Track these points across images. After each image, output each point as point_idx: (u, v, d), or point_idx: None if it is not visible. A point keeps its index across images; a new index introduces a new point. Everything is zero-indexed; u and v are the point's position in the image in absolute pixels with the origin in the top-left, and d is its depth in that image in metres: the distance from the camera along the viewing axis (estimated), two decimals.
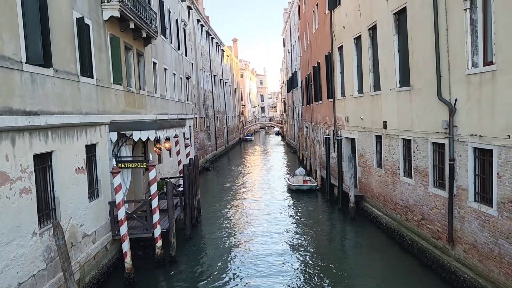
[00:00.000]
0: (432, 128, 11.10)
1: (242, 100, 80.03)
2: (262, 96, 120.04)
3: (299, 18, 37.19)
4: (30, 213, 8.11)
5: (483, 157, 9.20)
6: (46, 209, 8.98)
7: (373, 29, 15.41)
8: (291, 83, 49.28)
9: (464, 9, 9.32)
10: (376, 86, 15.32)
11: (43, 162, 8.89)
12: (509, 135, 8.05)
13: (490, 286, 8.73)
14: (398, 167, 13.58)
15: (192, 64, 32.17)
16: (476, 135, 9.18)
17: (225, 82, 54.36)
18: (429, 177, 11.54)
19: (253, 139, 74.86)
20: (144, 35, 15.69)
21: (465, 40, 9.38)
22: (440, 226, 10.95)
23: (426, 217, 11.73)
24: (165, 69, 21.33)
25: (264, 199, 22.44)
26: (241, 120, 73.76)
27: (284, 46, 58.44)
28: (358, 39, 17.17)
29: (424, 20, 11.21)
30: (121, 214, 11.35)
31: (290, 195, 22.80)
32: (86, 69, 11.07)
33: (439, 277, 10.62)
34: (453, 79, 9.98)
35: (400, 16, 13.04)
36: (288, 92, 55.44)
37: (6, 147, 7.43)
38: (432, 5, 10.55)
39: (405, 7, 12.41)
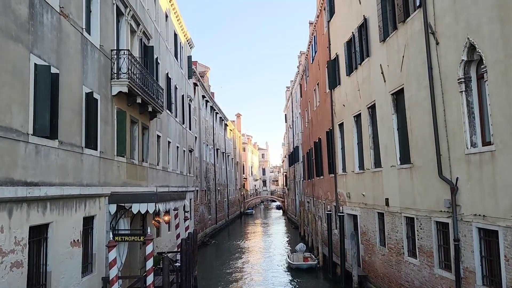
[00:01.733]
0: (435, 207, 10.97)
1: (244, 173, 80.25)
2: (264, 170, 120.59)
3: (301, 96, 38.53)
4: None
5: (489, 238, 8.97)
6: (37, 284, 8.62)
7: (372, 108, 15.86)
8: (292, 158, 49.73)
9: (460, 92, 9.65)
10: (377, 163, 15.42)
11: (38, 234, 8.70)
12: None
13: None
14: (402, 246, 13.21)
15: (196, 137, 32.77)
16: (479, 215, 9.04)
17: (228, 156, 54.93)
18: (434, 258, 11.17)
19: (254, 212, 73.84)
20: (150, 109, 16.17)
21: (462, 121, 9.60)
22: None
23: None
24: (169, 142, 21.68)
25: (263, 278, 21.57)
26: (242, 193, 73.35)
27: (286, 122, 59.89)
28: (358, 117, 17.62)
29: (422, 101, 11.57)
30: None
31: (289, 273, 21.94)
32: (91, 141, 11.25)
33: None
34: (453, 158, 10.06)
35: (398, 96, 13.49)
36: (289, 166, 55.75)
37: (2, 218, 7.32)
38: (429, 87, 10.96)
39: (403, 88, 12.89)
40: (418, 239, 12.10)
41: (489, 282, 9.01)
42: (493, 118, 8.53)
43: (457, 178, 9.89)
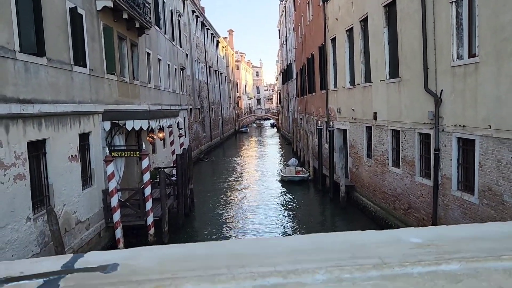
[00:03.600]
0: (419, 119, 11.36)
1: (237, 92, 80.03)
2: (258, 88, 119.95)
3: (294, 10, 37.23)
4: (24, 198, 8.31)
5: (466, 146, 9.48)
6: (40, 195, 9.19)
7: (364, 21, 15.59)
8: (286, 75, 49.40)
9: (450, 2, 9.53)
10: (367, 78, 15.54)
11: (36, 149, 9.07)
12: (490, 125, 8.32)
13: None
14: (387, 157, 13.85)
15: (187, 55, 32.22)
16: (460, 125, 9.44)
17: (221, 74, 54.38)
18: (416, 167, 11.82)
19: (248, 130, 75.03)
20: (137, 25, 15.79)
21: (451, 33, 9.60)
22: (425, 214, 11.26)
23: (413, 205, 12.03)
24: (159, 60, 21.43)
25: (257, 190, 22.71)
26: (236, 111, 73.86)
27: (279, 38, 58.45)
28: (350, 31, 17.35)
29: (413, 13, 11.40)
30: (114, 201, 11.57)
31: (283, 185, 23.07)
32: (79, 59, 11.21)
33: None
34: (439, 70, 10.22)
35: (390, 8, 13.22)
36: (283, 84, 55.57)
37: (0, 134, 7.61)
38: None
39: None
40: (402, 150, 12.68)
41: (463, 187, 9.69)
42: (480, 30, 8.55)
43: (442, 90, 10.14)
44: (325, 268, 0.60)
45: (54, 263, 0.69)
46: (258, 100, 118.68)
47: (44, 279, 0.63)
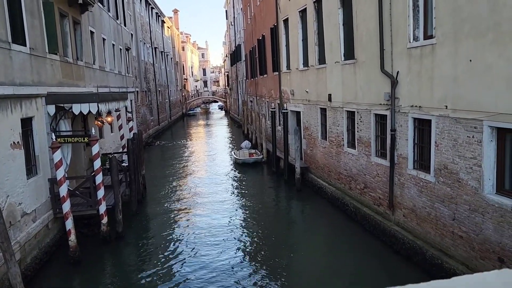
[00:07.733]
0: (375, 100, 11.54)
1: (184, 74, 78.19)
2: (204, 70, 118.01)
3: None
4: None
5: (422, 126, 9.75)
6: None
7: (318, 2, 15.51)
8: (234, 57, 48.81)
9: None
10: (321, 60, 15.57)
11: None
12: (446, 106, 8.57)
13: (427, 247, 9.42)
14: (342, 138, 14.04)
15: (132, 35, 30.77)
16: (416, 106, 9.67)
17: (167, 55, 52.70)
18: (371, 147, 12.06)
19: (196, 113, 73.98)
20: (80, 1, 14.68)
21: (407, 14, 9.73)
22: (381, 193, 11.56)
23: (369, 185, 12.32)
24: (104, 39, 20.22)
25: (210, 173, 22.38)
26: (183, 94, 72.28)
27: (227, 19, 57.47)
28: (303, 12, 17.24)
29: None
30: (63, 191, 10.80)
31: (236, 168, 22.91)
32: (18, 36, 10.22)
33: (381, 241, 11.28)
34: (396, 52, 10.37)
35: None
36: (231, 66, 54.93)
37: None
38: None
39: None
40: (357, 131, 12.88)
41: (419, 166, 10.00)
42: (437, 11, 8.70)
43: (398, 72, 10.31)
44: None
45: None
46: (205, 83, 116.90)
47: None
